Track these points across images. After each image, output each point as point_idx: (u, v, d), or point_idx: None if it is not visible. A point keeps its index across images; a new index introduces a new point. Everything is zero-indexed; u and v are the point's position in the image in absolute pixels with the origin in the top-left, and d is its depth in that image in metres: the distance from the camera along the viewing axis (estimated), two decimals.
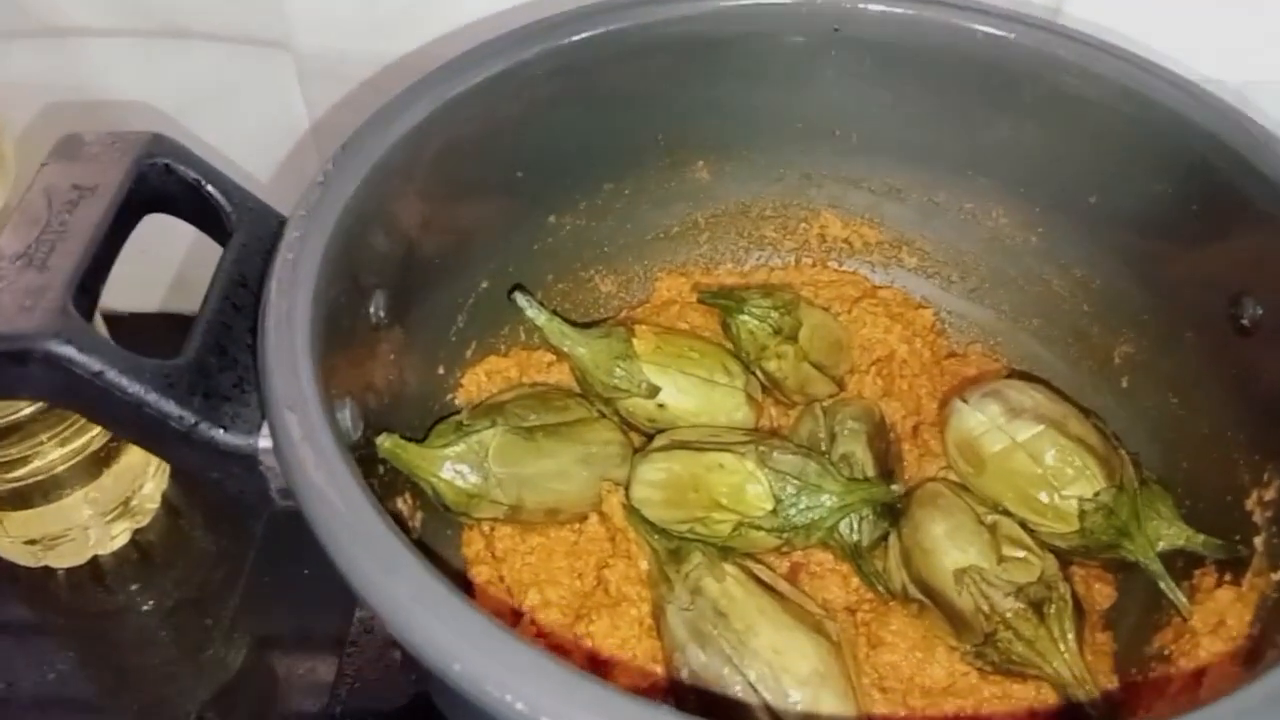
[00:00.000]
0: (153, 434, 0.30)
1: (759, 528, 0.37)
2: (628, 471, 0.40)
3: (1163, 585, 0.36)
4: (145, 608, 0.52)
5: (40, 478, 0.49)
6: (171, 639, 0.51)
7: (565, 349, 0.42)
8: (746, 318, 0.44)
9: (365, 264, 0.35)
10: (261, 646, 0.50)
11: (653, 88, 0.42)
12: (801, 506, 0.37)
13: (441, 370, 0.42)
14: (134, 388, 0.29)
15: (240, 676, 0.49)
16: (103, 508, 0.52)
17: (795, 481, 0.37)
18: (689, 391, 0.42)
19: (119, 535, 0.53)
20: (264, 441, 0.30)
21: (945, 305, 0.47)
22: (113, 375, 0.29)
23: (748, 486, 0.37)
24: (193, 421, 0.30)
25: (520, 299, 0.41)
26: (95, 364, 0.29)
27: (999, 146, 0.43)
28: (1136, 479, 0.38)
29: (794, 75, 0.43)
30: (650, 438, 0.41)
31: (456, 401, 0.42)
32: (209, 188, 0.34)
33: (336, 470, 0.27)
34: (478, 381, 0.43)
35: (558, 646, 0.36)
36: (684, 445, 0.39)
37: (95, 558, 0.53)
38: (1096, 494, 0.37)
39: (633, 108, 0.43)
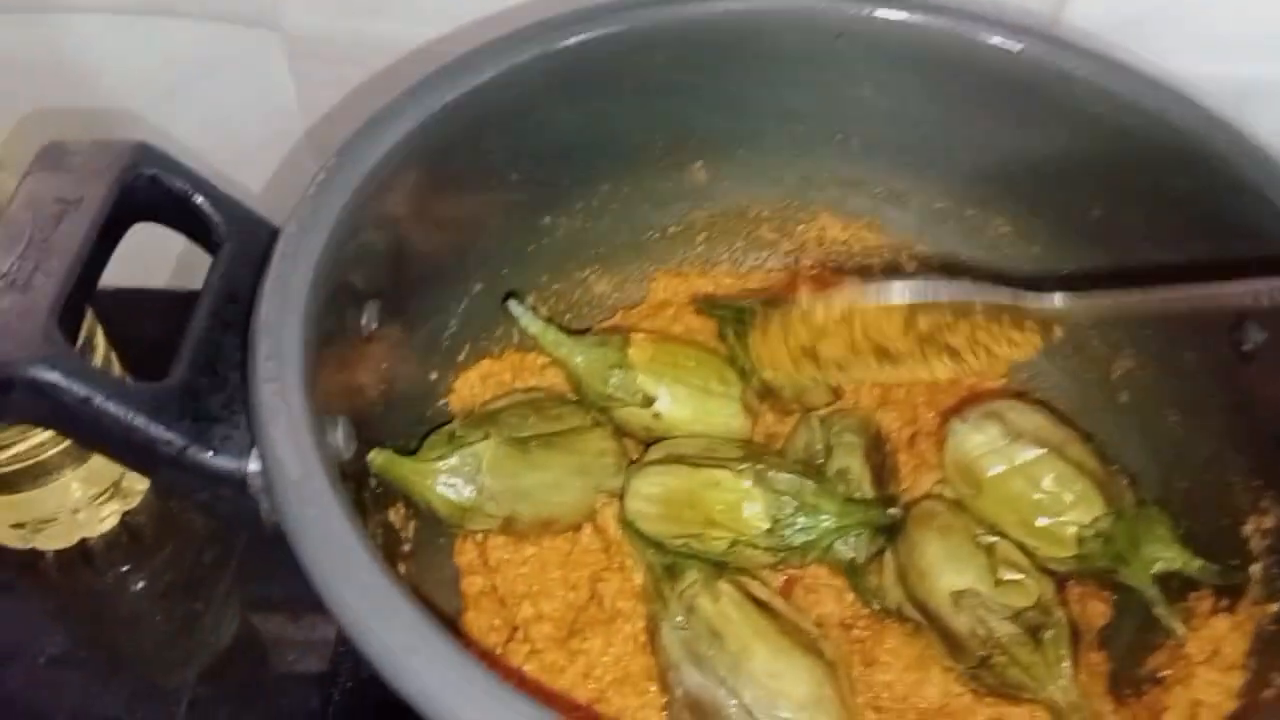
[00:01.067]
0: (141, 458, 0.29)
1: (755, 546, 0.37)
2: (622, 481, 0.39)
3: (1157, 611, 0.36)
4: (135, 588, 0.52)
5: (28, 462, 0.48)
6: (163, 621, 0.51)
7: (560, 357, 0.41)
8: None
9: (358, 275, 0.34)
10: (253, 628, 0.51)
11: (651, 90, 0.41)
12: (798, 527, 0.37)
13: (434, 375, 0.41)
14: (122, 412, 0.28)
15: (233, 658, 0.49)
16: (92, 490, 0.52)
17: (792, 501, 0.37)
18: (684, 401, 0.41)
19: (108, 517, 0.53)
20: (254, 465, 0.30)
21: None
22: (99, 401, 0.28)
23: (744, 505, 0.37)
24: (182, 445, 0.29)
25: (514, 307, 0.41)
26: (81, 390, 0.28)
27: (1002, 156, 0.42)
28: (1134, 500, 0.38)
29: (795, 79, 0.42)
30: (646, 446, 0.41)
31: (449, 406, 0.42)
32: (197, 198, 0.33)
33: (328, 507, 0.27)
34: (470, 385, 0.42)
35: (552, 664, 0.36)
36: (680, 460, 0.39)
37: (84, 540, 0.52)
38: (1094, 520, 0.37)
39: (631, 109, 0.42)
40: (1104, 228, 0.41)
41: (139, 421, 0.29)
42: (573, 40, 0.38)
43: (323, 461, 0.28)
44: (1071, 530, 0.37)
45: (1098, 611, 0.39)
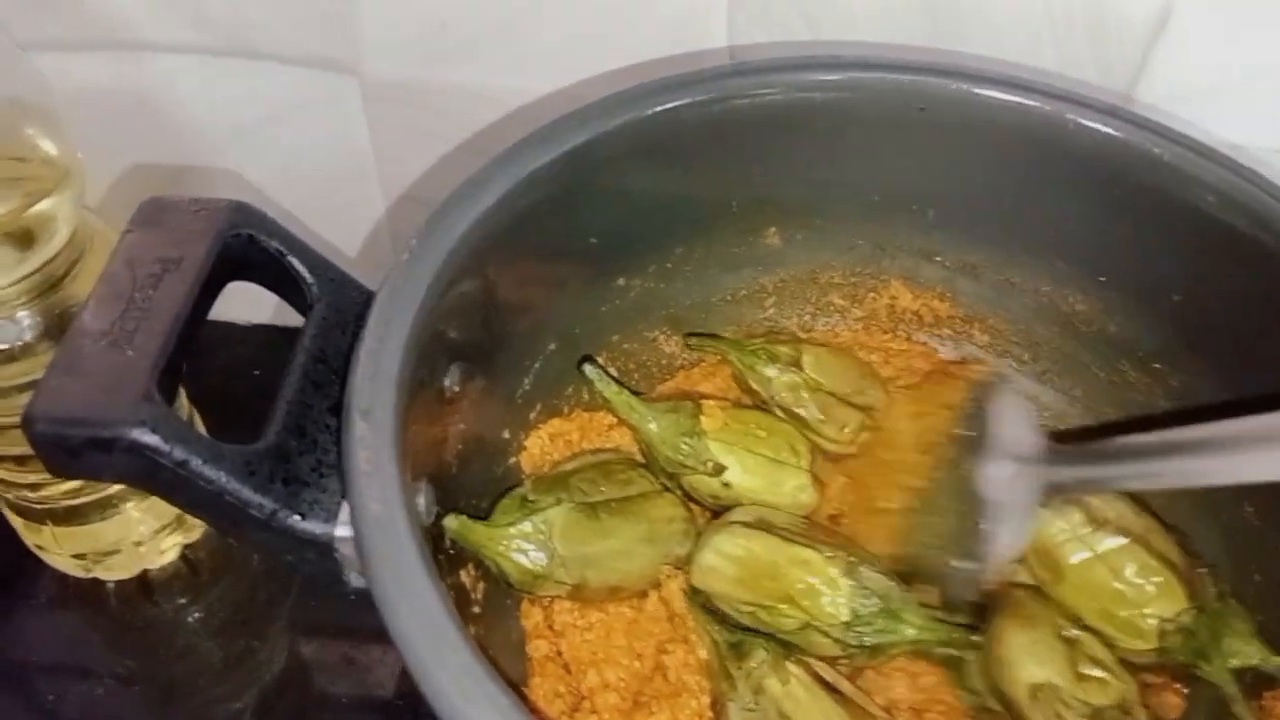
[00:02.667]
0: (231, 520, 0.30)
1: (826, 635, 0.36)
2: (688, 550, 0.39)
3: (1236, 709, 0.35)
4: (191, 620, 0.53)
5: (95, 495, 0.49)
6: (219, 653, 0.51)
7: (633, 422, 0.42)
8: (739, 353, 0.44)
9: (445, 340, 0.34)
10: (307, 663, 0.51)
11: (731, 157, 0.42)
12: (876, 628, 0.36)
13: (506, 434, 0.42)
14: (216, 476, 0.29)
15: (285, 692, 0.49)
16: (155, 523, 0.52)
17: (878, 602, 0.37)
18: (754, 471, 0.41)
19: (169, 550, 0.54)
20: (340, 530, 0.30)
21: (1015, 386, 0.46)
22: (196, 464, 0.28)
23: (828, 592, 0.37)
24: (272, 509, 0.30)
25: (590, 371, 0.41)
26: (179, 453, 0.28)
27: (1082, 234, 0.42)
28: (1214, 594, 0.38)
29: (876, 149, 0.42)
30: (713, 514, 0.41)
31: (520, 464, 0.42)
32: (291, 259, 0.34)
33: (419, 581, 0.27)
34: (540, 444, 0.42)
35: None
36: (769, 529, 0.38)
37: (145, 571, 0.53)
38: (1177, 614, 0.36)
39: (709, 175, 0.42)
40: (1183, 311, 0.41)
41: (233, 486, 0.29)
42: (663, 108, 0.38)
43: (412, 530, 0.28)
44: (1153, 623, 0.37)
45: (1171, 704, 0.38)
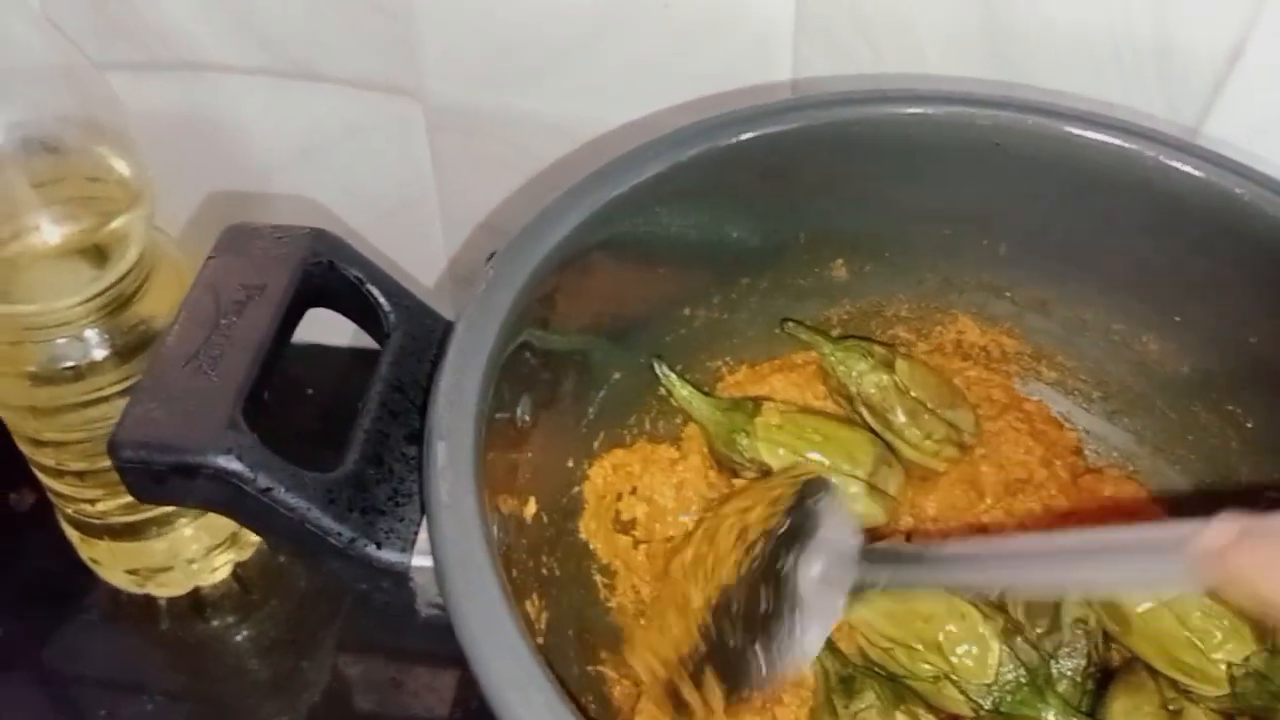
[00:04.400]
0: (309, 547, 0.30)
1: (962, 692, 0.36)
2: None
3: None
4: (241, 638, 0.53)
5: (153, 512, 0.50)
6: (267, 674, 0.52)
7: (693, 416, 0.43)
8: (833, 346, 0.44)
9: (519, 371, 0.34)
10: (354, 684, 0.51)
11: (800, 189, 0.41)
12: (1015, 699, 0.36)
13: (570, 463, 0.41)
14: (298, 504, 0.29)
15: (331, 716, 0.49)
16: (209, 541, 0.52)
17: (1025, 674, 0.36)
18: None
19: (221, 568, 0.54)
20: (417, 560, 0.30)
21: (1083, 424, 0.46)
22: (279, 492, 0.29)
23: (979, 649, 0.36)
24: (350, 538, 0.30)
25: (658, 367, 0.43)
26: (263, 480, 0.28)
27: (1157, 274, 0.41)
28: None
29: (948, 183, 0.42)
30: None
31: (583, 493, 0.42)
32: (369, 286, 0.34)
33: (499, 616, 0.27)
34: (604, 473, 0.42)
35: None
36: None
37: (196, 588, 0.53)
38: (1247, 658, 0.36)
39: (779, 207, 0.42)
40: (1259, 353, 0.40)
41: (313, 514, 0.29)
42: (735, 140, 0.38)
43: (492, 562, 0.28)
44: (1222, 667, 0.36)
45: None
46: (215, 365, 0.30)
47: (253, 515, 0.29)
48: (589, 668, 0.39)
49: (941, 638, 0.36)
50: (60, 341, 0.44)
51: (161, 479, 0.28)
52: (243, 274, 0.32)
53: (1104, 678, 0.38)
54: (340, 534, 0.29)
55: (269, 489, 0.28)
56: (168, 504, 0.27)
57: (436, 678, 0.51)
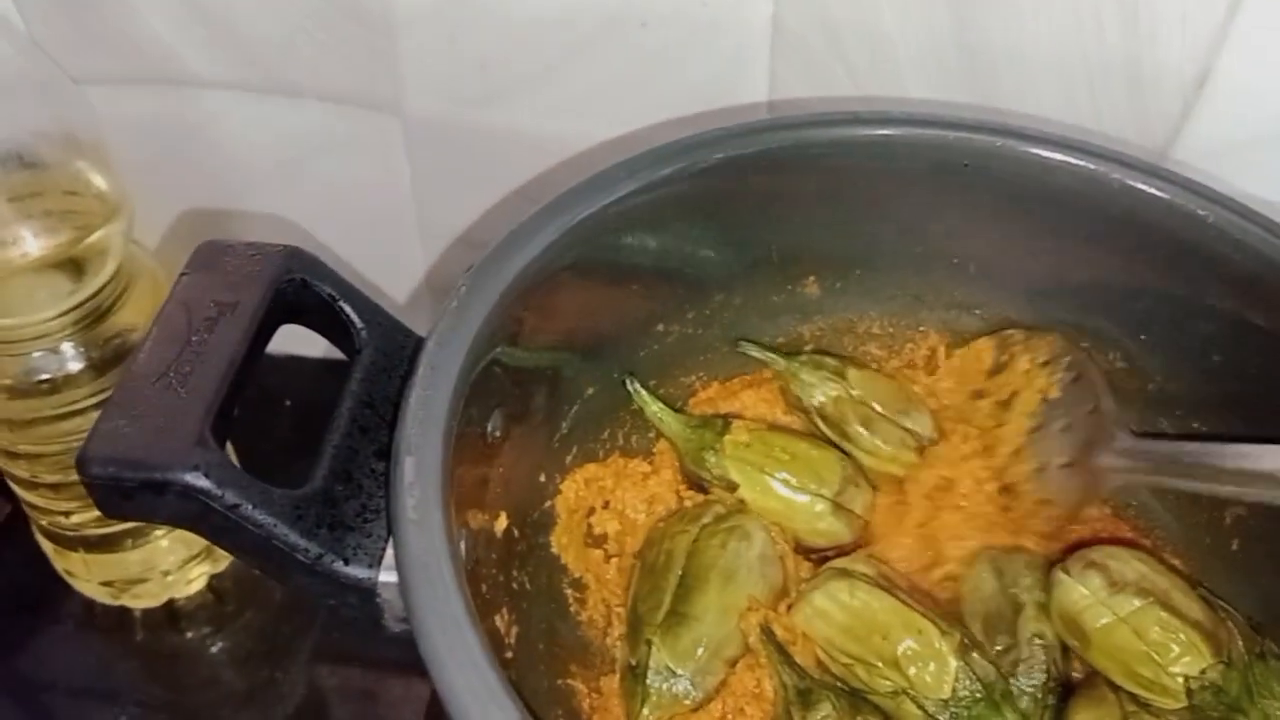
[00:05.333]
0: (276, 563, 0.30)
1: (920, 708, 0.36)
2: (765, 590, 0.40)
3: None
4: (216, 650, 0.53)
5: (129, 524, 0.50)
6: (242, 686, 0.52)
7: (664, 433, 0.44)
8: (786, 361, 0.45)
9: (491, 387, 0.35)
10: (329, 697, 0.51)
11: (774, 208, 0.42)
12: (972, 715, 0.36)
13: (542, 478, 0.42)
14: (265, 520, 0.29)
15: None
16: (184, 553, 0.53)
17: (981, 690, 0.36)
18: (768, 493, 0.42)
19: (196, 579, 0.54)
20: (384, 575, 0.30)
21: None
22: (246, 509, 0.29)
23: (937, 666, 0.36)
24: (317, 554, 0.30)
25: (630, 384, 0.44)
26: (230, 497, 0.29)
27: (1124, 294, 0.42)
28: (1255, 650, 0.37)
29: (919, 203, 0.42)
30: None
31: (555, 508, 0.42)
32: (341, 303, 0.34)
33: (464, 632, 0.27)
34: (576, 488, 0.42)
35: None
36: (892, 590, 0.38)
37: (171, 600, 0.53)
38: (1203, 671, 0.36)
39: (752, 226, 0.42)
40: (1224, 372, 0.41)
41: (281, 531, 0.29)
42: (710, 160, 0.38)
43: (458, 579, 0.28)
44: (1180, 681, 0.37)
45: None
46: (185, 382, 0.30)
47: (220, 531, 0.29)
48: (559, 681, 0.39)
49: (899, 653, 0.37)
50: (36, 354, 0.44)
51: (130, 495, 0.28)
52: (215, 290, 0.32)
53: (1066, 692, 0.38)
54: (307, 550, 0.30)
55: (236, 505, 0.28)
56: (136, 520, 0.28)
57: (410, 689, 0.51)
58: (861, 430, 0.44)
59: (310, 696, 0.51)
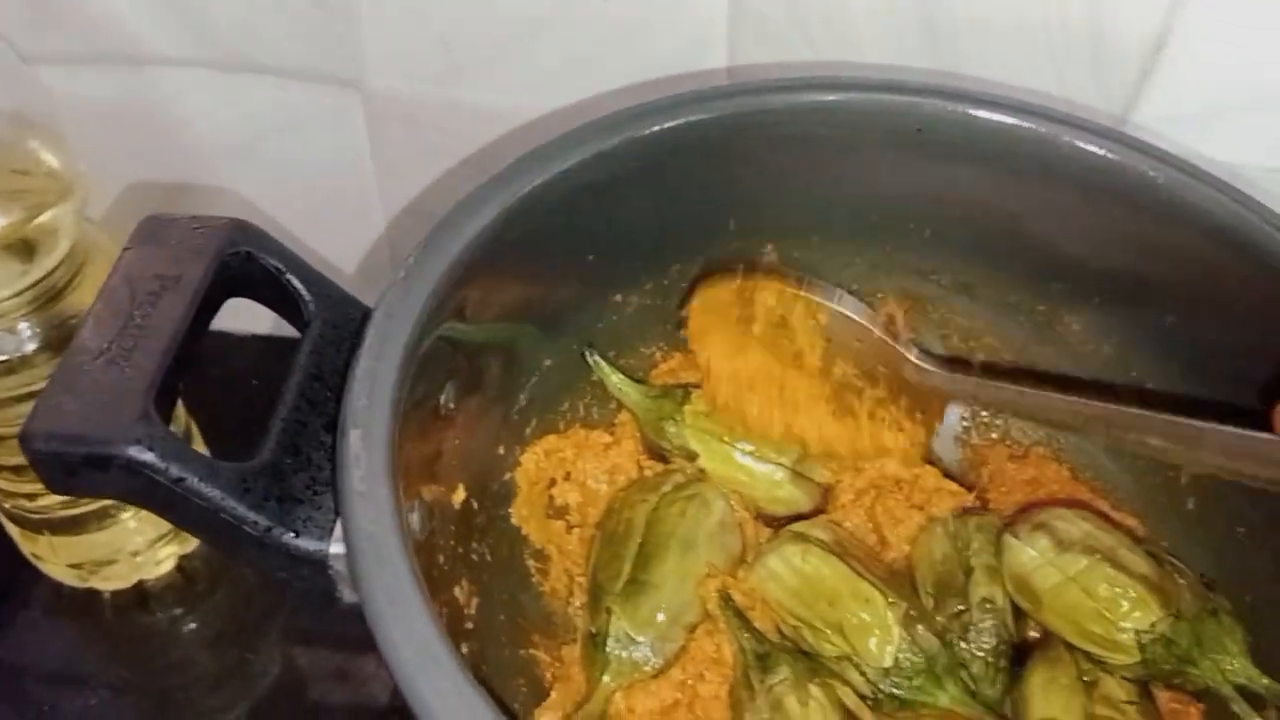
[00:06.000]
0: (226, 537, 0.30)
1: (862, 674, 0.37)
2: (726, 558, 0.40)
3: (1236, 709, 0.35)
4: (186, 631, 0.53)
5: (93, 505, 0.49)
6: (213, 667, 0.52)
7: (626, 403, 0.44)
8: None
9: (442, 359, 0.35)
10: (302, 675, 0.51)
11: (730, 176, 0.42)
12: (913, 685, 0.37)
13: (501, 450, 0.42)
14: (212, 494, 0.29)
15: (279, 703, 0.50)
16: (151, 534, 0.52)
17: (923, 661, 0.37)
18: (728, 462, 0.42)
19: (165, 560, 0.54)
20: (334, 547, 0.30)
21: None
22: (192, 482, 0.29)
23: (879, 635, 0.37)
24: (266, 526, 0.30)
25: (589, 355, 0.44)
26: (175, 470, 0.29)
27: (1076, 254, 0.42)
28: (1207, 608, 0.38)
29: (871, 169, 0.42)
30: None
31: (514, 480, 0.42)
32: (289, 276, 0.34)
33: (411, 603, 0.27)
34: (536, 460, 0.43)
35: None
36: (845, 556, 0.39)
37: (141, 581, 0.53)
38: (1153, 624, 0.37)
39: (708, 195, 0.42)
40: (1176, 335, 0.41)
41: (228, 503, 0.29)
42: (660, 128, 0.38)
43: (405, 550, 0.28)
44: (1130, 635, 0.37)
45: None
46: (128, 358, 0.30)
47: (167, 506, 0.29)
48: (521, 651, 0.39)
49: (844, 620, 0.37)
50: None
51: (74, 470, 0.28)
52: (158, 265, 0.32)
53: (1021, 655, 0.39)
54: (256, 523, 0.30)
55: (182, 479, 0.28)
56: (82, 495, 0.27)
57: (382, 665, 0.51)
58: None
59: (282, 676, 0.51)
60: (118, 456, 0.28)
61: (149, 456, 0.28)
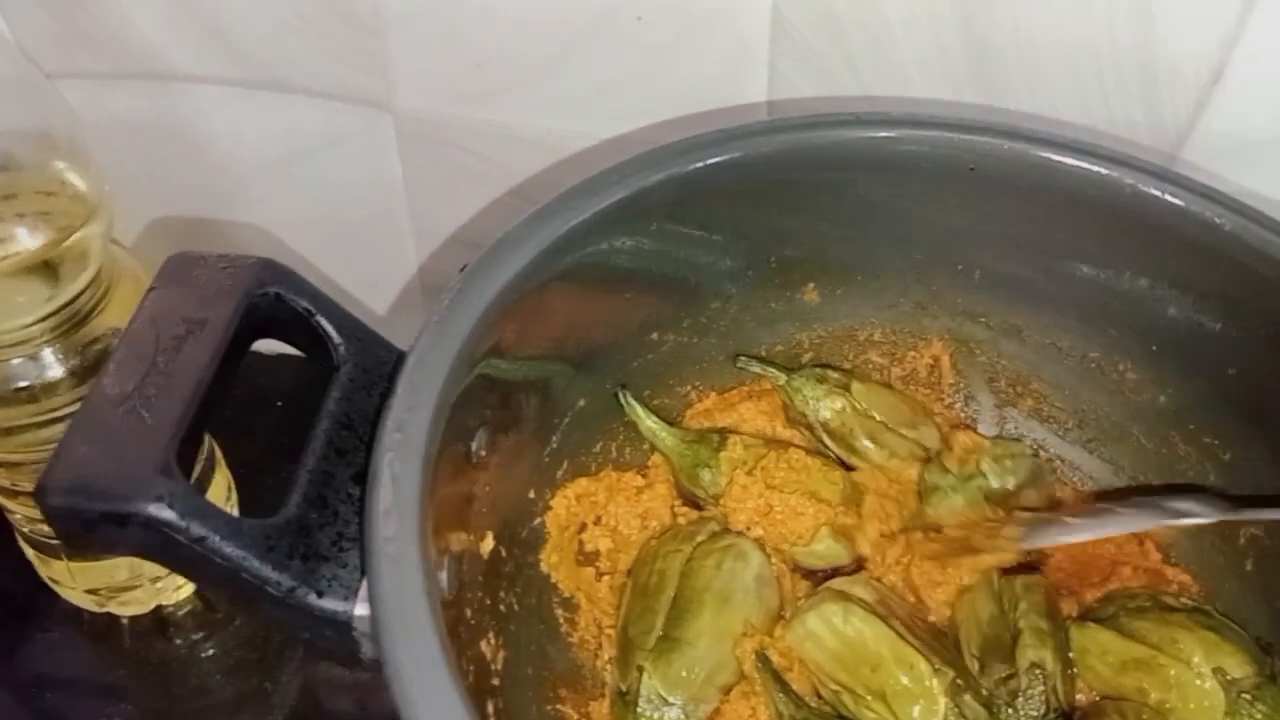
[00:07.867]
0: (247, 596, 0.29)
1: None
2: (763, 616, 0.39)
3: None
4: (205, 657, 0.52)
5: None
6: (231, 694, 0.51)
7: (660, 448, 0.43)
8: (788, 376, 0.44)
9: (474, 405, 0.33)
10: (319, 710, 0.50)
11: (771, 212, 0.40)
12: None
13: (532, 494, 0.40)
14: (234, 553, 0.28)
15: None
16: None
17: None
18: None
19: (184, 586, 0.53)
20: (359, 609, 0.29)
21: (1059, 453, 0.45)
22: (214, 541, 0.27)
23: (923, 704, 0.35)
24: (290, 587, 0.28)
25: (624, 397, 0.42)
26: (196, 529, 0.27)
27: (1135, 302, 0.40)
28: (1265, 672, 0.36)
29: (920, 207, 0.41)
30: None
31: (545, 525, 0.41)
32: (319, 318, 0.33)
33: (437, 669, 0.26)
34: (567, 504, 0.41)
35: None
36: (889, 619, 0.37)
37: (159, 607, 0.52)
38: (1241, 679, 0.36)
39: (749, 232, 0.41)
40: (1239, 385, 0.39)
41: (250, 563, 0.28)
42: (704, 164, 0.37)
43: (433, 618, 0.27)
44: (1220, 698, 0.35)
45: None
46: (150, 406, 0.28)
47: (187, 564, 0.28)
48: (548, 706, 0.38)
49: (887, 688, 0.36)
50: (15, 361, 0.43)
51: (91, 526, 0.27)
52: (184, 307, 0.31)
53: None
54: (279, 583, 0.28)
55: (202, 538, 0.27)
56: (100, 553, 0.26)
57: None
58: (869, 444, 0.43)
59: (300, 705, 0.50)
60: (137, 514, 0.27)
61: (169, 514, 0.27)
